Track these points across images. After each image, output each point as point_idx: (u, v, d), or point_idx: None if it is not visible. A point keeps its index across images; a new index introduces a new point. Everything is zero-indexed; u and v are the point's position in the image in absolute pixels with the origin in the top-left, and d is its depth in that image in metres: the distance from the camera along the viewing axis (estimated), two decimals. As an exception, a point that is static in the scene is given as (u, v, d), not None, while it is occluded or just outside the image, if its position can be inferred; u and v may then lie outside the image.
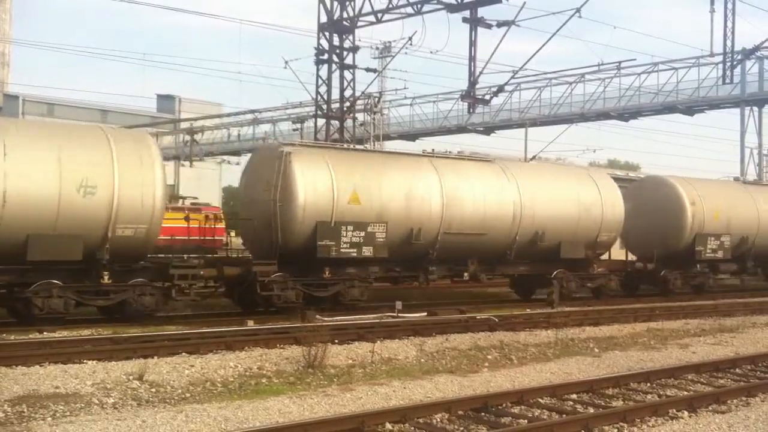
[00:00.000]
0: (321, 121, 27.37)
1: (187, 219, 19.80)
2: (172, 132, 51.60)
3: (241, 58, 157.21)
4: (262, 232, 18.12)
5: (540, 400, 9.81)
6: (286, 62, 29.34)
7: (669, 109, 40.66)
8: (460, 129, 46.97)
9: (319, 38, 25.95)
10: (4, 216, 14.41)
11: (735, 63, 32.64)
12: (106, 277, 15.65)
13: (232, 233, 25.34)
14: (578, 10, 23.56)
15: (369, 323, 15.96)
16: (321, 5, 25.74)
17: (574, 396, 10.16)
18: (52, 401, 9.16)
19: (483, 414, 9.09)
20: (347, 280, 18.53)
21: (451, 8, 24.30)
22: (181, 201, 29.37)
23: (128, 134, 18.02)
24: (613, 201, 23.65)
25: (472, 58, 24.81)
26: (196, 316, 17.61)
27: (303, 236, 17.67)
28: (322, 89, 26.23)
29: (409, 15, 25.34)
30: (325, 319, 16.02)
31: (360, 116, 33.79)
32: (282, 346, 13.44)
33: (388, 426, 8.36)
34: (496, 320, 16.72)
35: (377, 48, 46.15)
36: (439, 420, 8.80)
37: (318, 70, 26.20)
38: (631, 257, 26.86)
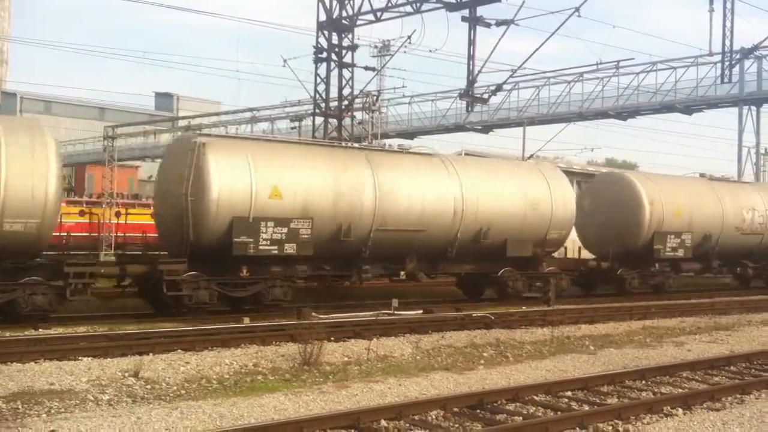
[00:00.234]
0: (319, 120, 27.40)
1: (81, 214, 19.09)
2: (170, 130, 51.55)
3: (239, 56, 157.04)
4: (174, 228, 17.08)
5: (535, 397, 9.83)
6: (285, 60, 29.39)
7: (667, 108, 40.71)
8: (459, 128, 47.01)
9: (318, 36, 25.98)
10: None
11: (733, 62, 32.63)
12: None
13: None
14: (577, 9, 23.59)
15: (365, 321, 15.96)
16: (320, 4, 25.76)
17: (570, 393, 10.18)
18: (47, 398, 9.16)
19: (478, 411, 9.10)
20: (269, 279, 17.44)
21: (450, 7, 24.33)
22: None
23: (21, 123, 16.96)
24: (563, 197, 22.53)
25: (470, 57, 24.85)
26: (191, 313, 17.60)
27: (217, 233, 16.58)
28: (321, 87, 26.26)
29: (408, 14, 25.38)
30: (321, 316, 16.02)
31: (358, 115, 33.85)
32: (278, 343, 13.45)
33: (384, 423, 8.37)
34: (493, 318, 16.73)
35: (376, 46, 46.29)
36: (434, 417, 8.81)
37: (317, 68, 26.23)
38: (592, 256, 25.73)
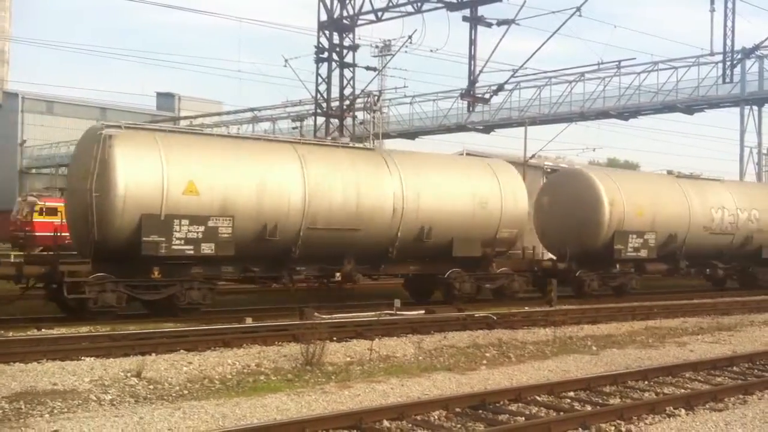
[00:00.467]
0: (321, 120, 27.43)
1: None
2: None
3: (240, 56, 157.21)
4: (81, 227, 16.06)
5: (537, 397, 9.82)
6: (286, 60, 29.46)
7: (669, 108, 40.73)
8: (460, 127, 47.06)
9: (319, 36, 26.02)
10: None
11: (735, 62, 32.67)
12: None
13: None
14: (578, 9, 23.63)
15: (367, 321, 15.95)
16: (321, 3, 25.81)
17: (572, 394, 10.17)
18: (50, 398, 9.16)
19: (481, 411, 9.09)
20: (186, 281, 16.43)
21: (451, 7, 24.36)
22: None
23: None
24: (515, 194, 21.37)
25: (471, 57, 24.91)
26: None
27: (125, 231, 15.52)
28: (322, 87, 26.30)
29: (409, 13, 25.42)
30: (324, 316, 16.01)
31: (360, 114, 33.93)
32: (280, 343, 13.44)
33: (386, 423, 8.37)
34: (495, 318, 16.72)
35: (377, 46, 46.31)
36: (436, 417, 8.80)
37: (318, 68, 26.28)
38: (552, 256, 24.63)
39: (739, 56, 33.54)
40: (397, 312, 17.20)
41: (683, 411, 9.34)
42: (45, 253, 18.66)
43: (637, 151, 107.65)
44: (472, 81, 25.36)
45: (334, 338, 13.67)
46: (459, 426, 8.55)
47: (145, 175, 15.76)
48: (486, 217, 20.76)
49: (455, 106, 44.88)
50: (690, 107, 40.34)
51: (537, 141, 71.21)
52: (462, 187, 20.63)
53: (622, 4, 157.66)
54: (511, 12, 23.48)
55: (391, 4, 25.44)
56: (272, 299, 20.59)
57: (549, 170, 35.21)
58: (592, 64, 36.98)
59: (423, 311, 17.79)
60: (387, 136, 44.87)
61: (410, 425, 8.41)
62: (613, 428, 8.58)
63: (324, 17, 25.83)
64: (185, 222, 15.94)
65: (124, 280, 15.85)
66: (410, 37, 25.94)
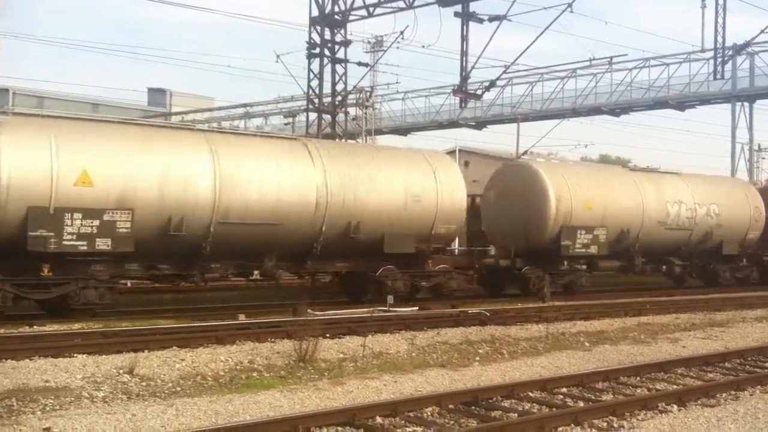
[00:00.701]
0: (313, 116, 27.41)
1: None
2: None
3: (232, 51, 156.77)
4: None
5: (530, 393, 9.83)
6: (278, 56, 29.46)
7: (660, 104, 40.83)
8: (452, 124, 47.07)
9: (310, 32, 26.00)
10: None
11: (726, 59, 32.78)
12: None
13: None
14: (570, 5, 23.69)
15: (360, 317, 15.95)
16: (312, -1, 25.75)
17: (565, 390, 10.18)
18: (42, 395, 9.12)
19: (473, 408, 9.10)
20: (82, 279, 15.29)
21: (443, 2, 24.38)
22: None
23: None
24: (452, 189, 20.31)
25: (463, 53, 24.93)
26: (187, 310, 17.58)
27: (10, 225, 14.46)
28: (314, 83, 26.30)
29: (401, 9, 25.43)
30: (317, 313, 16.00)
31: (352, 110, 33.86)
32: (273, 340, 13.42)
33: (379, 419, 8.36)
34: (488, 315, 16.75)
35: (369, 42, 46.21)
36: (429, 413, 8.80)
37: (310, 64, 26.28)
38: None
39: (731, 53, 33.66)
40: (391, 308, 17.21)
41: (675, 407, 9.36)
42: None
43: (630, 147, 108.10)
44: (464, 77, 25.39)
45: (327, 335, 13.65)
46: (452, 422, 8.54)
47: (32, 165, 14.66)
48: (420, 212, 19.73)
49: (447, 102, 44.96)
50: (681, 103, 40.45)
51: (529, 137, 71.40)
52: (394, 180, 19.50)
53: (613, 1, 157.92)
54: (502, 8, 23.43)
55: (382, 0, 25.43)
56: (264, 295, 20.57)
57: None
58: (583, 61, 37.11)
59: (416, 308, 17.81)
60: (379, 132, 44.83)
61: (403, 422, 8.41)
62: (605, 424, 8.59)
63: (315, 13, 25.81)
64: (78, 215, 14.88)
65: (10, 278, 14.73)
66: (402, 32, 26.03)
